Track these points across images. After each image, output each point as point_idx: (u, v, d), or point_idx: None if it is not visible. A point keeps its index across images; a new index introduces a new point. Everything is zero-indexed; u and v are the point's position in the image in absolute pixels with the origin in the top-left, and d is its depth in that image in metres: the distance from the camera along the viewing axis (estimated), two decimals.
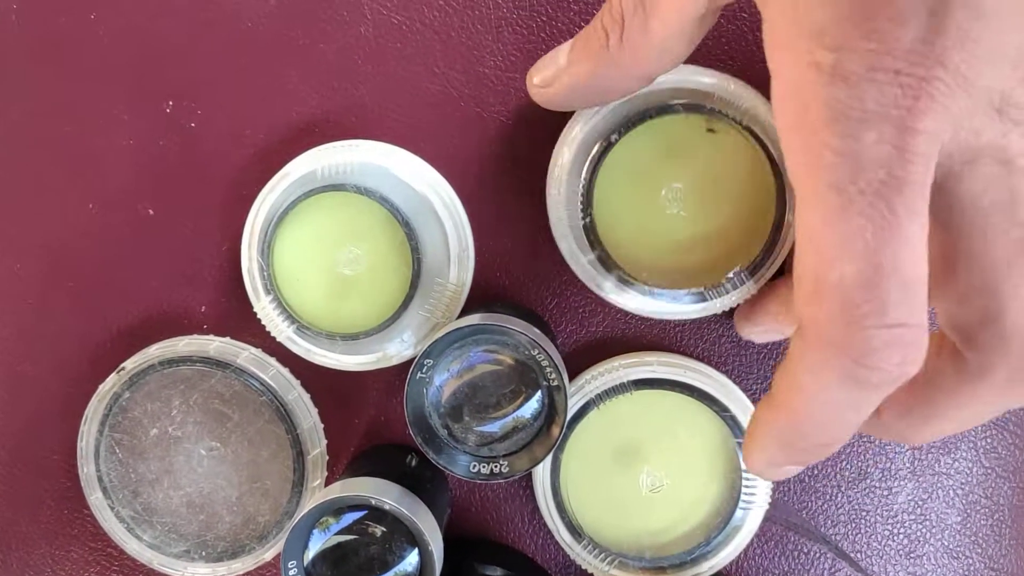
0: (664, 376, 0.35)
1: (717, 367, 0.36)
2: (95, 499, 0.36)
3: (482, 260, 0.36)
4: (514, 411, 0.31)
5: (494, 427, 0.31)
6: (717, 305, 0.33)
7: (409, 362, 0.35)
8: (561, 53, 0.29)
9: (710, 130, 0.33)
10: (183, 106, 0.36)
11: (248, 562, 0.37)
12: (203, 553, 0.37)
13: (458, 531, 0.38)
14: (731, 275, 0.33)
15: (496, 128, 0.35)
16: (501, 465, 0.31)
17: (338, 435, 0.37)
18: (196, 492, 0.36)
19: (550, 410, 0.30)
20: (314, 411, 0.36)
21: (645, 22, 0.25)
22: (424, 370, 0.30)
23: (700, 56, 0.34)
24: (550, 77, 0.29)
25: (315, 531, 0.31)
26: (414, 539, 0.32)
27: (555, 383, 0.30)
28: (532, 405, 0.31)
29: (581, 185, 0.33)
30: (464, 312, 0.35)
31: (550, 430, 0.30)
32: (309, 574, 0.31)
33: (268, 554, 0.36)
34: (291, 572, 0.31)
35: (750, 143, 0.32)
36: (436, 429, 0.31)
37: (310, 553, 0.31)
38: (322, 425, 0.36)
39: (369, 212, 0.35)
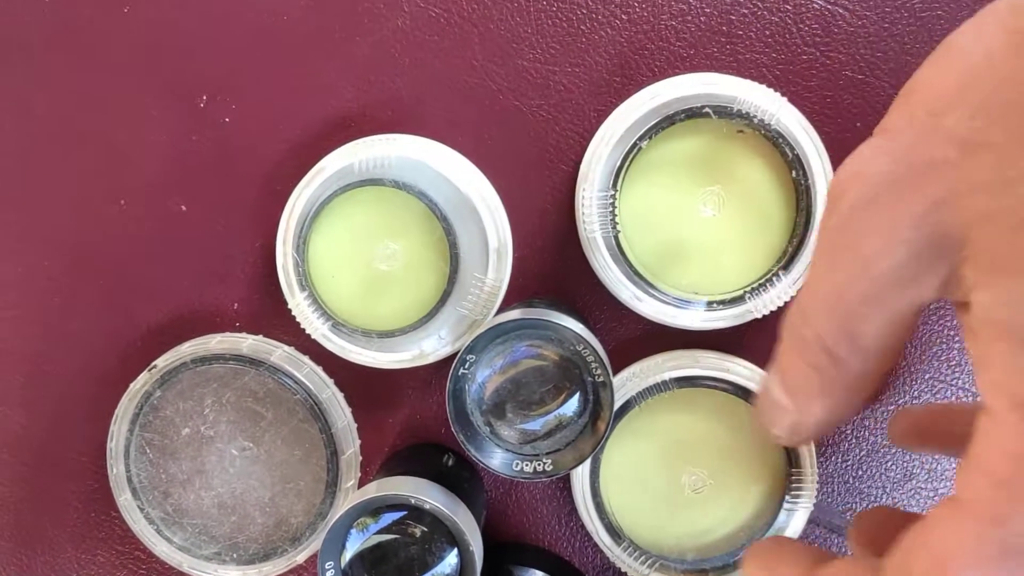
0: (706, 373, 0.34)
1: (759, 364, 0.35)
2: (124, 500, 0.35)
3: (516, 256, 0.35)
4: (557, 408, 0.30)
5: (537, 424, 0.30)
6: (760, 306, 0.33)
7: (445, 360, 0.34)
8: (781, 397, 0.24)
9: (740, 131, 0.33)
10: (217, 101, 0.35)
11: (280, 564, 0.36)
12: (234, 555, 0.36)
13: (494, 533, 0.38)
14: (768, 275, 0.33)
15: (535, 122, 0.35)
16: (544, 463, 0.30)
17: (372, 435, 0.37)
18: (228, 493, 0.36)
19: (595, 406, 0.30)
20: (348, 410, 0.36)
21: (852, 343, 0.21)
22: (466, 366, 0.30)
23: (722, 64, 0.34)
24: (788, 427, 0.24)
25: (353, 531, 0.31)
26: (454, 539, 0.31)
27: (600, 379, 0.29)
28: (574, 402, 0.30)
29: (611, 195, 0.33)
30: (500, 310, 0.34)
31: (596, 426, 0.30)
32: (347, 575, 0.30)
33: (300, 556, 0.36)
34: (328, 573, 0.30)
35: (771, 145, 0.33)
36: (479, 427, 0.30)
37: (348, 554, 0.31)
38: (356, 424, 0.36)
39: (407, 207, 0.34)
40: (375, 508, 0.31)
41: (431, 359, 0.34)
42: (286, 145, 0.35)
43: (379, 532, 0.31)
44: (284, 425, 0.35)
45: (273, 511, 0.36)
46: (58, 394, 0.38)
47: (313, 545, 0.35)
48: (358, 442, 0.36)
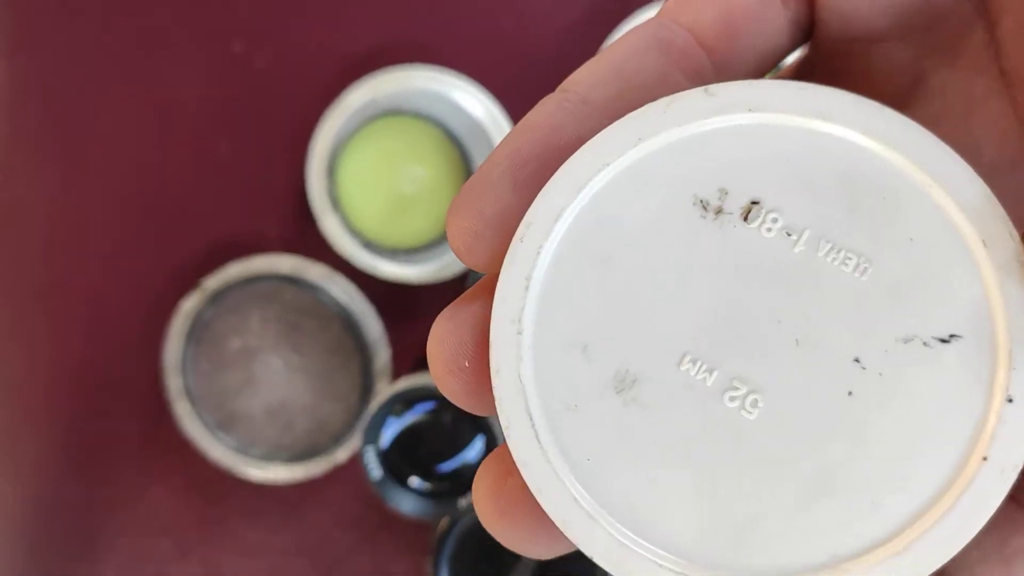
0: None
1: None
2: (183, 409, 0.40)
3: None
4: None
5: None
6: None
7: (466, 271, 0.38)
8: None
9: None
10: (249, 44, 0.39)
11: (323, 464, 0.40)
12: (282, 455, 0.40)
13: None
14: None
15: (545, 50, 0.38)
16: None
17: (402, 344, 0.41)
18: (274, 399, 0.40)
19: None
20: (379, 322, 0.40)
21: None
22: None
23: None
24: None
25: (390, 418, 0.35)
26: (479, 427, 0.35)
27: None
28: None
29: None
30: None
31: None
32: (384, 455, 0.34)
33: (341, 454, 0.40)
34: (368, 454, 0.34)
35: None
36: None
37: (385, 438, 0.35)
38: (387, 334, 0.40)
39: (426, 135, 0.38)
40: (409, 398, 0.35)
41: (454, 269, 0.38)
42: (313, 83, 0.39)
43: (413, 420, 0.35)
44: (322, 336, 0.39)
45: (315, 414, 0.40)
46: (115, 320, 0.42)
47: (352, 444, 0.40)
48: (389, 350, 0.40)
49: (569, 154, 0.14)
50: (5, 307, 0.41)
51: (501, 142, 0.15)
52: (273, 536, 0.42)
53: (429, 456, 0.35)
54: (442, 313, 0.14)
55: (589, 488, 0.13)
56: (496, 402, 0.14)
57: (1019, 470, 0.13)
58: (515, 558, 0.36)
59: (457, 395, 0.14)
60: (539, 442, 0.14)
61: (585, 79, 0.15)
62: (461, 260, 0.14)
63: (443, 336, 0.14)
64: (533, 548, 0.15)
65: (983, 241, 0.13)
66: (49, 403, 0.42)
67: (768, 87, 0.14)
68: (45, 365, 0.42)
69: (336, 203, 0.38)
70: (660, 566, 0.13)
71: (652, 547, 0.13)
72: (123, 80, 0.40)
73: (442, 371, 0.14)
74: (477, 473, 0.15)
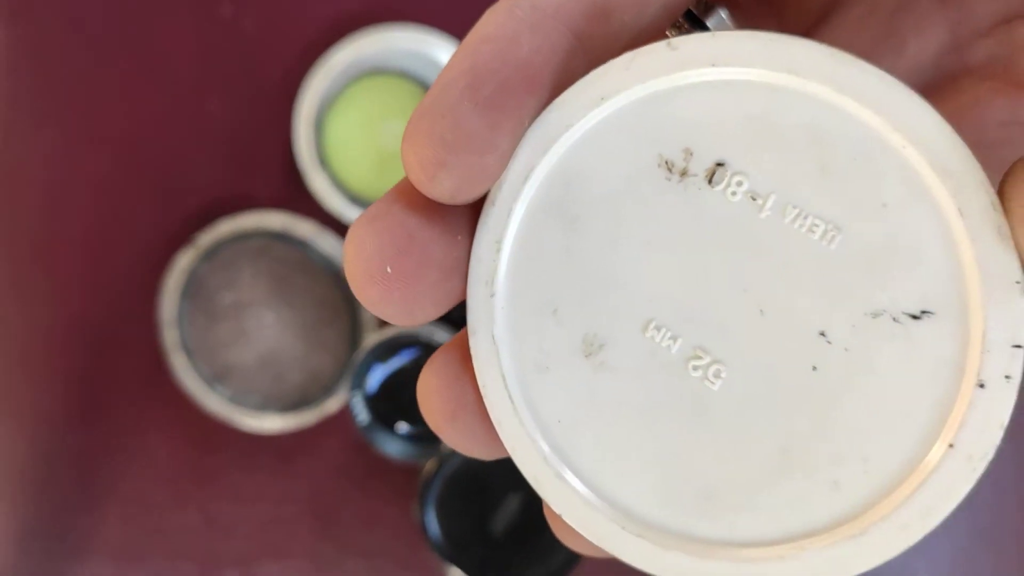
0: None
1: None
2: (179, 362, 0.41)
3: None
4: None
5: None
6: None
7: None
8: None
9: None
10: (237, 5, 0.40)
11: (314, 414, 0.41)
12: (275, 406, 0.41)
13: None
14: None
15: None
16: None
17: None
18: (267, 350, 0.41)
19: None
20: None
21: None
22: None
23: None
24: None
25: (376, 364, 0.36)
26: None
27: None
28: None
29: None
30: None
31: None
32: (371, 401, 0.36)
33: (331, 405, 0.41)
34: (355, 398, 0.36)
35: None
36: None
37: (371, 384, 0.36)
38: None
39: (409, 93, 0.39)
40: (393, 345, 0.36)
41: None
42: (299, 44, 0.40)
43: (397, 367, 0.36)
44: (312, 290, 0.41)
45: (306, 365, 0.41)
46: (111, 275, 0.43)
47: (342, 395, 0.41)
48: None
49: (528, 69, 0.13)
50: (4, 263, 0.43)
51: (453, 58, 0.13)
52: (268, 484, 0.43)
53: (414, 401, 0.36)
54: (361, 215, 0.14)
55: (558, 449, 0.14)
56: (473, 362, 0.14)
57: (988, 459, 0.12)
58: (500, 499, 0.38)
59: (376, 304, 0.13)
60: (512, 402, 0.14)
61: None
62: (422, 191, 0.13)
63: (362, 240, 0.13)
64: (480, 452, 0.15)
65: (959, 210, 0.12)
66: (48, 357, 0.44)
67: (734, 39, 0.13)
68: (44, 319, 0.43)
69: (323, 160, 0.39)
70: (622, 528, 0.13)
71: (614, 510, 0.13)
72: (117, 45, 0.41)
73: (362, 278, 0.13)
74: (424, 371, 0.15)
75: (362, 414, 0.36)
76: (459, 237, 0.14)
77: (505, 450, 0.14)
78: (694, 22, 0.16)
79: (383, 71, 0.38)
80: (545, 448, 0.14)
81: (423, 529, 0.36)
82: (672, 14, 0.14)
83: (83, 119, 0.42)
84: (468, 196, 0.13)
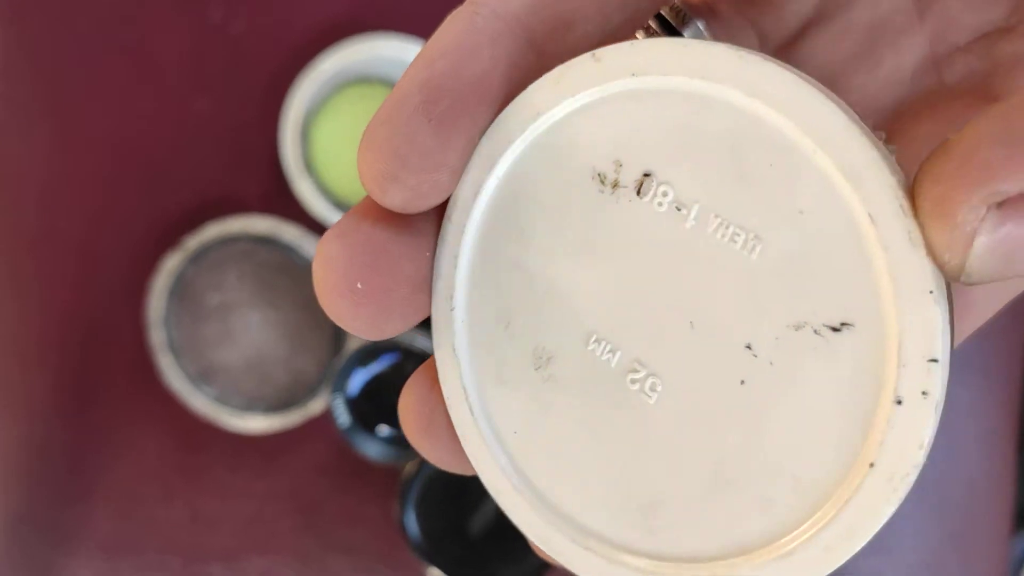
0: None
1: None
2: (166, 361, 0.42)
3: None
4: None
5: None
6: None
7: None
8: None
9: None
10: (226, 10, 0.40)
11: (298, 415, 0.42)
12: (260, 406, 0.42)
13: None
14: None
15: None
16: None
17: None
18: (252, 352, 0.42)
19: None
20: None
21: None
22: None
23: None
24: None
25: (357, 368, 0.37)
26: None
27: None
28: None
29: None
30: None
31: None
32: (352, 404, 0.37)
33: (315, 406, 0.42)
34: (337, 401, 0.36)
35: None
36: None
37: (353, 387, 0.37)
38: None
39: None
40: (375, 350, 0.37)
41: None
42: (287, 50, 0.41)
43: (378, 371, 0.37)
44: (296, 293, 0.41)
45: (290, 366, 0.42)
46: (101, 275, 0.44)
47: (325, 396, 0.42)
48: None
49: (484, 84, 0.13)
50: None
51: (411, 67, 0.13)
52: (254, 482, 0.44)
53: (395, 404, 0.37)
54: (330, 230, 0.14)
55: (515, 461, 0.14)
56: (439, 376, 0.14)
57: (909, 480, 0.11)
58: (478, 501, 0.38)
59: (345, 319, 0.13)
60: (472, 414, 0.14)
61: None
62: (376, 200, 0.13)
63: (332, 254, 0.13)
64: (456, 466, 0.15)
65: (870, 216, 0.11)
66: (39, 354, 0.44)
67: (650, 47, 0.13)
68: (35, 317, 0.44)
69: (309, 166, 0.40)
70: (572, 541, 0.13)
71: (565, 523, 0.13)
72: (109, 47, 0.41)
73: (332, 293, 0.13)
74: (404, 388, 0.15)
75: (343, 416, 0.36)
76: (427, 253, 0.14)
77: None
78: (664, 26, 0.16)
79: (369, 79, 0.39)
80: (503, 460, 0.14)
81: (403, 528, 0.37)
82: (637, 22, 0.14)
83: (74, 122, 0.42)
84: (420, 207, 0.13)
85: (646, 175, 0.13)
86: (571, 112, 0.13)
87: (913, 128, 0.16)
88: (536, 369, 0.14)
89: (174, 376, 0.42)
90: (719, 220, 0.12)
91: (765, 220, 0.12)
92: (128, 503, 0.45)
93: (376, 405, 0.37)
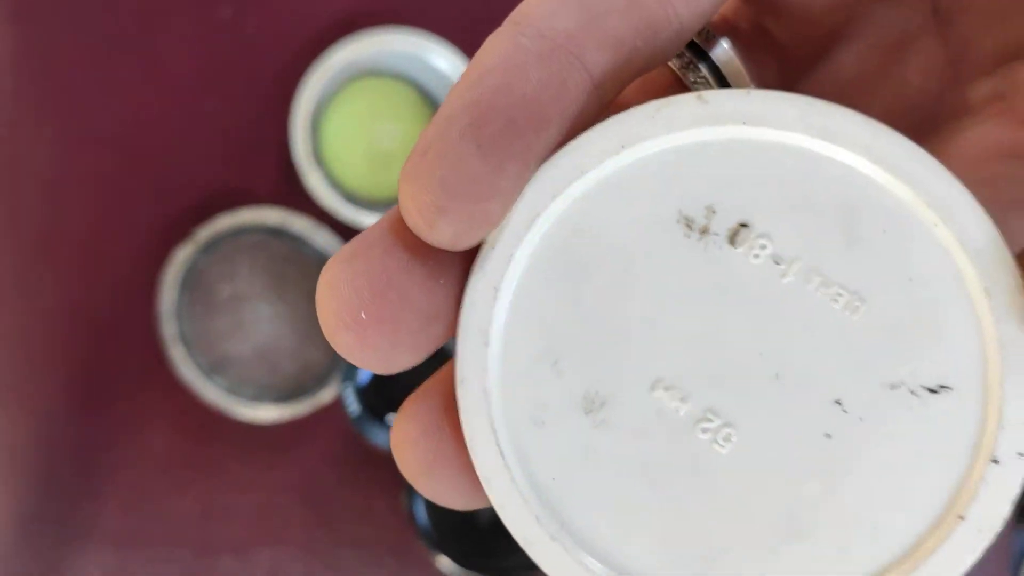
0: None
1: None
2: (178, 353, 0.42)
3: None
4: None
5: None
6: None
7: None
8: None
9: None
10: (236, 7, 0.41)
11: (308, 404, 0.43)
12: (271, 396, 0.43)
13: None
14: None
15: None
16: None
17: None
18: (263, 343, 0.42)
19: None
20: None
21: None
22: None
23: None
24: None
25: None
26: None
27: None
28: None
29: None
30: None
31: None
32: (362, 393, 0.37)
33: (325, 396, 0.42)
34: (347, 390, 0.37)
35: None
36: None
37: (362, 376, 0.37)
38: None
39: (403, 95, 0.40)
40: None
41: None
42: (297, 44, 0.41)
43: None
44: (306, 284, 0.42)
45: (300, 357, 0.42)
46: (113, 267, 0.44)
47: (335, 386, 0.42)
48: None
49: (536, 105, 0.12)
50: (8, 255, 0.44)
51: (454, 90, 0.12)
52: (263, 473, 0.44)
53: (404, 394, 0.37)
54: (338, 253, 0.13)
55: (552, 509, 0.13)
56: (460, 413, 0.13)
57: (996, 532, 0.12)
58: None
59: (350, 350, 0.13)
60: (503, 458, 0.13)
61: (538, 7, 0.13)
62: (421, 237, 0.12)
63: (336, 282, 0.12)
64: (456, 503, 0.14)
65: (986, 290, 0.12)
66: (50, 348, 0.45)
67: (768, 98, 0.13)
68: (46, 311, 0.44)
69: (319, 159, 0.40)
70: None
71: (610, 572, 0.13)
72: (118, 44, 0.42)
73: (333, 323, 0.12)
74: (399, 416, 0.14)
75: (353, 406, 0.37)
76: (442, 281, 0.13)
77: (482, 502, 0.14)
78: (696, 52, 0.16)
79: (379, 73, 0.39)
80: (537, 507, 0.13)
81: (412, 518, 0.37)
82: (681, 41, 0.14)
83: (85, 116, 0.43)
84: (469, 242, 0.12)
85: (743, 225, 0.13)
86: (664, 150, 0.13)
87: (936, 149, 0.16)
88: (586, 413, 0.13)
89: (186, 367, 0.42)
90: (820, 279, 0.13)
91: (871, 283, 0.12)
92: (138, 496, 0.45)
93: (386, 394, 0.37)
